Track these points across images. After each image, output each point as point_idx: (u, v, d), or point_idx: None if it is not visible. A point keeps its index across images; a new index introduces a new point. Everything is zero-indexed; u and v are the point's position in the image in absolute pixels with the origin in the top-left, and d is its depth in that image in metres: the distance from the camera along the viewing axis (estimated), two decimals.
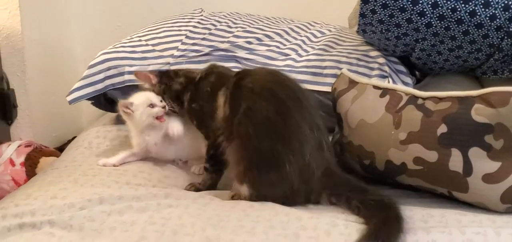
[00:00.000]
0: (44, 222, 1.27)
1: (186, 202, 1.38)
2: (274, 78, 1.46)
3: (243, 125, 1.38)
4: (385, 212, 1.26)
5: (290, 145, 1.34)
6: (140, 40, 2.00)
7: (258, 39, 2.01)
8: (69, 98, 1.87)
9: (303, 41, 2.03)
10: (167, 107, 1.59)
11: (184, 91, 1.57)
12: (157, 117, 1.57)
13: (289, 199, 1.36)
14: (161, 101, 1.59)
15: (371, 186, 1.38)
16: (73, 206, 1.32)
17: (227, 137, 1.43)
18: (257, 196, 1.39)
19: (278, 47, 1.98)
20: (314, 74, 1.83)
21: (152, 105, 1.57)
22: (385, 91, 1.43)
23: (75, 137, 2.15)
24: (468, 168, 1.28)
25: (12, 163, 1.98)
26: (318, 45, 1.98)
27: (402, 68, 1.84)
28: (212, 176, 1.54)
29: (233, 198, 1.43)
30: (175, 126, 1.60)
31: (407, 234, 1.21)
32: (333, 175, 1.38)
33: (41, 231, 1.25)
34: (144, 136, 1.60)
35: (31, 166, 1.98)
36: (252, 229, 1.24)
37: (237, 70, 1.60)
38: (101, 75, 1.89)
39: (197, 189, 1.52)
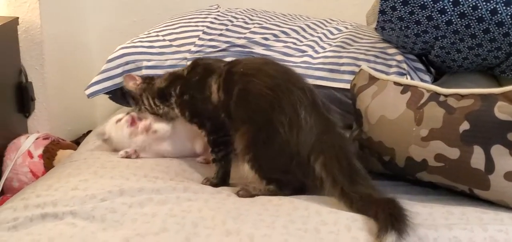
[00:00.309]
0: (66, 213, 1.28)
1: (204, 195, 1.39)
2: (264, 61, 1.57)
3: (239, 107, 1.42)
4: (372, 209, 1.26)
5: (282, 108, 1.37)
6: (157, 36, 2.01)
7: (275, 35, 2.01)
8: (88, 92, 1.88)
9: (319, 38, 2.03)
10: (135, 111, 1.66)
11: (171, 86, 1.58)
12: (131, 124, 1.64)
13: (292, 168, 1.37)
14: (127, 113, 1.67)
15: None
16: (94, 197, 1.33)
17: (228, 117, 1.47)
18: (261, 177, 1.40)
19: (294, 43, 1.98)
20: (331, 71, 1.83)
21: (119, 120, 1.65)
22: (406, 88, 1.43)
23: (90, 131, 2.17)
24: (490, 165, 1.28)
25: (30, 155, 1.99)
26: (335, 42, 1.98)
27: (420, 65, 1.83)
28: (221, 164, 1.52)
29: (238, 193, 1.43)
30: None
31: (428, 230, 1.21)
32: (333, 138, 1.38)
33: (63, 221, 1.26)
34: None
35: (49, 158, 1.99)
36: (272, 223, 1.25)
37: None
38: (119, 70, 1.90)
39: (212, 183, 1.51)
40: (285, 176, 1.40)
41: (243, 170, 1.43)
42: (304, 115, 1.36)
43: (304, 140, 1.36)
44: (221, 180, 1.52)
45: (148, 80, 1.65)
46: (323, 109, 1.40)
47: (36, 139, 2.04)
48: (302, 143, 1.36)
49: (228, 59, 1.82)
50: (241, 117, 1.43)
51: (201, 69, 1.55)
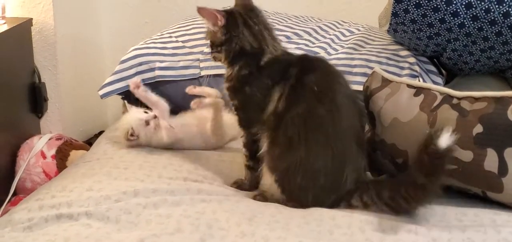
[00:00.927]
0: (81, 213, 1.29)
1: (218, 197, 1.39)
2: (336, 80, 1.40)
3: (295, 125, 1.34)
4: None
5: (334, 162, 1.33)
6: (170, 37, 2.02)
7: (287, 37, 2.01)
8: (101, 92, 1.89)
9: (332, 39, 2.03)
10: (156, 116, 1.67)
11: (246, 60, 1.43)
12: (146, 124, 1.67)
13: (314, 204, 1.36)
14: (145, 112, 1.68)
15: None
16: (109, 198, 1.34)
17: (271, 129, 1.38)
18: (282, 191, 1.38)
19: (307, 45, 1.99)
20: (344, 72, 1.82)
21: (147, 122, 1.66)
22: (419, 90, 1.43)
23: (101, 132, 2.18)
24: (503, 168, 1.28)
25: (43, 155, 2.01)
26: (347, 44, 1.98)
27: (432, 68, 1.84)
28: (256, 175, 1.46)
29: (255, 197, 1.43)
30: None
31: (442, 232, 1.22)
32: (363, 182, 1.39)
33: (78, 222, 1.27)
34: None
35: (61, 159, 2.00)
36: (286, 225, 1.25)
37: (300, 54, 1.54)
38: (132, 71, 1.91)
39: (242, 188, 1.50)
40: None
41: (264, 179, 1.41)
42: (346, 176, 1.34)
43: (337, 192, 1.36)
44: (251, 187, 1.49)
45: (232, 26, 1.43)
46: (361, 166, 1.38)
47: (49, 139, 2.05)
48: (333, 194, 1.36)
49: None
50: (291, 135, 1.35)
51: (276, 68, 1.41)
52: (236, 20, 1.43)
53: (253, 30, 1.44)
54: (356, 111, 1.40)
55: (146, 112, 1.68)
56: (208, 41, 1.49)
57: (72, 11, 2.31)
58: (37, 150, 2.01)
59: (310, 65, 1.42)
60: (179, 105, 1.93)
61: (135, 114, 1.69)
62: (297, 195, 1.36)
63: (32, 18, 2.14)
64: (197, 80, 1.90)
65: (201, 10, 1.42)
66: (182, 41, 1.99)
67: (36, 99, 2.18)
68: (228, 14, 1.44)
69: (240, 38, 1.42)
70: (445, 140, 1.22)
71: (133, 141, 1.68)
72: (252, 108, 1.43)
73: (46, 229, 1.26)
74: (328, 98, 1.35)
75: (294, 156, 1.34)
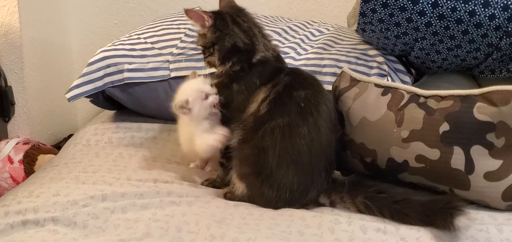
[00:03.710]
0: (48, 219, 1.27)
1: (188, 199, 1.38)
2: (323, 102, 1.37)
3: (274, 136, 1.33)
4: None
5: (301, 183, 1.34)
6: (139, 38, 2.00)
7: None
8: (68, 95, 1.86)
9: (301, 39, 2.04)
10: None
11: (239, 57, 1.44)
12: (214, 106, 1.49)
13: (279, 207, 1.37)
14: (211, 85, 1.50)
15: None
16: (76, 203, 1.33)
17: (246, 130, 1.37)
18: (248, 197, 1.39)
19: (276, 45, 1.98)
20: (314, 72, 1.82)
21: (206, 96, 1.48)
22: (386, 90, 1.44)
23: (71, 135, 2.15)
24: (470, 165, 1.29)
25: (10, 160, 1.97)
26: (316, 44, 1.99)
27: (400, 67, 1.85)
28: (228, 172, 1.44)
29: (225, 196, 1.43)
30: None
31: (410, 230, 1.23)
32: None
33: (44, 228, 1.25)
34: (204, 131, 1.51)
35: (29, 164, 1.97)
36: (256, 226, 1.25)
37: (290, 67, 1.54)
38: (100, 73, 1.88)
39: (214, 186, 1.50)
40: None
41: (233, 181, 1.40)
42: (312, 194, 1.36)
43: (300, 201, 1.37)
44: (225, 186, 1.47)
45: (221, 25, 1.44)
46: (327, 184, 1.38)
47: (16, 144, 2.02)
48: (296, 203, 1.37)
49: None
50: (264, 145, 1.33)
51: (269, 71, 1.42)
52: (225, 18, 1.45)
53: (243, 27, 1.45)
54: (333, 138, 1.39)
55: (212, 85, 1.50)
56: (200, 47, 1.49)
57: (38, 13, 2.27)
58: (4, 155, 1.98)
59: (302, 80, 1.41)
60: (149, 107, 1.91)
61: (196, 85, 1.50)
62: (263, 204, 1.36)
63: None
64: (166, 81, 1.89)
65: (188, 12, 1.43)
66: (151, 43, 1.97)
67: (3, 103, 2.14)
68: (216, 14, 1.45)
69: (231, 35, 1.44)
70: None
71: (186, 113, 1.49)
72: (236, 106, 1.43)
73: (12, 235, 1.24)
74: (313, 118, 1.34)
75: (264, 166, 1.34)
